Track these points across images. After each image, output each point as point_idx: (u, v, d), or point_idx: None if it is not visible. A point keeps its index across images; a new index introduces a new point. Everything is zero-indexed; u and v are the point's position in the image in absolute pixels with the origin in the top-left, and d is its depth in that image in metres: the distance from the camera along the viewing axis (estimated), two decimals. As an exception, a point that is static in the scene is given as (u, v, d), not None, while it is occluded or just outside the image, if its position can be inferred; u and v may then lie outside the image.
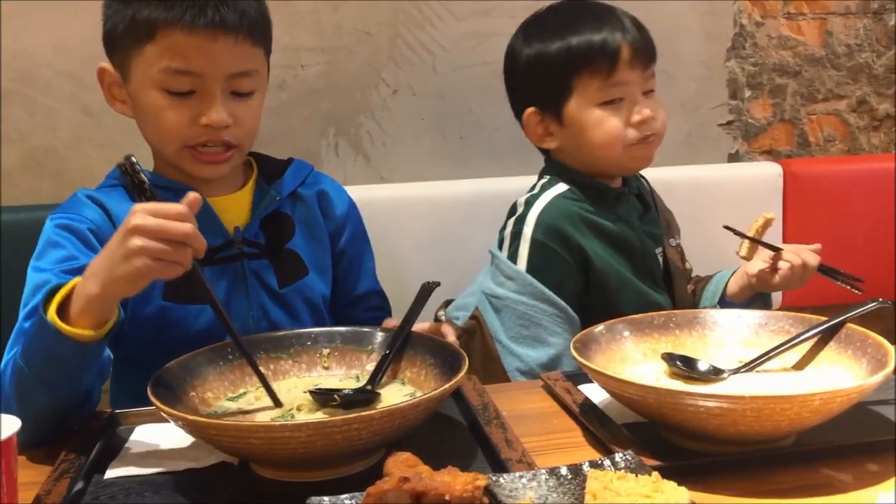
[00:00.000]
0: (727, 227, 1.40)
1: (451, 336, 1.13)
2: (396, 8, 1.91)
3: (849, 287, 1.37)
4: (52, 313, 0.94)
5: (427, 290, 1.17)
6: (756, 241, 1.38)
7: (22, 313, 1.10)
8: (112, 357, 1.16)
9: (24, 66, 1.75)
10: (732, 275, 1.49)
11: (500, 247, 1.44)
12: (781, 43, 2.18)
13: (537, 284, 1.37)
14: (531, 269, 1.38)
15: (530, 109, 1.47)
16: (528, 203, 1.44)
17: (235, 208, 1.28)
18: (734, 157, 2.20)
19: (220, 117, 1.18)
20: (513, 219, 1.45)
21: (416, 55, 1.94)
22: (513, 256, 1.41)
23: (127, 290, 0.97)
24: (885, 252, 2.06)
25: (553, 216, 1.40)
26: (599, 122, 1.41)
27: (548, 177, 1.49)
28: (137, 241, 0.91)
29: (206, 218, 1.19)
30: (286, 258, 1.30)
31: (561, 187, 1.44)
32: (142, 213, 0.92)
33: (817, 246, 1.40)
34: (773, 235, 2.02)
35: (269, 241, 1.29)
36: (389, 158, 1.97)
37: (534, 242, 1.39)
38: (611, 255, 1.41)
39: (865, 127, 2.27)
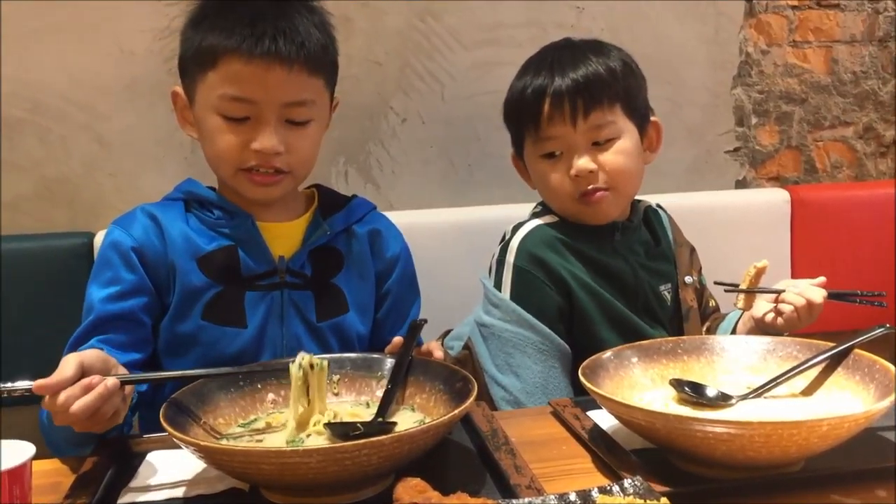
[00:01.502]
0: (718, 283, 1.39)
1: (437, 352, 1.17)
2: (405, 38, 1.93)
3: (873, 305, 1.32)
4: None
5: (415, 328, 1.16)
6: (750, 292, 1.36)
7: (74, 334, 1.20)
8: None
9: (37, 97, 1.78)
10: (741, 316, 1.44)
11: (490, 274, 1.45)
12: (787, 70, 2.19)
13: (520, 311, 1.36)
14: (514, 296, 1.38)
15: (511, 152, 1.51)
16: (514, 230, 1.44)
17: (286, 237, 1.30)
18: (741, 184, 2.21)
19: (270, 144, 1.21)
20: (499, 246, 1.45)
21: (424, 84, 1.97)
22: (498, 284, 1.41)
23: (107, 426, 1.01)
24: (891, 278, 2.06)
25: (534, 242, 1.40)
26: (544, 176, 1.42)
27: (540, 207, 1.50)
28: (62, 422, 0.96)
29: (253, 243, 1.27)
30: (329, 293, 1.31)
31: (550, 217, 1.45)
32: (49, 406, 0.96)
33: (821, 279, 1.33)
34: (783, 261, 2.03)
35: (315, 273, 1.30)
36: (398, 186, 1.99)
37: (515, 269, 1.39)
38: (597, 283, 1.40)
39: (872, 153, 2.28)
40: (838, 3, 2.20)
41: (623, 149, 1.39)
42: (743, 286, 1.36)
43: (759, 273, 1.36)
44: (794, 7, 2.18)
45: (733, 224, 2.03)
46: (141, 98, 1.82)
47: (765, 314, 1.34)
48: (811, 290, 1.31)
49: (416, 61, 1.95)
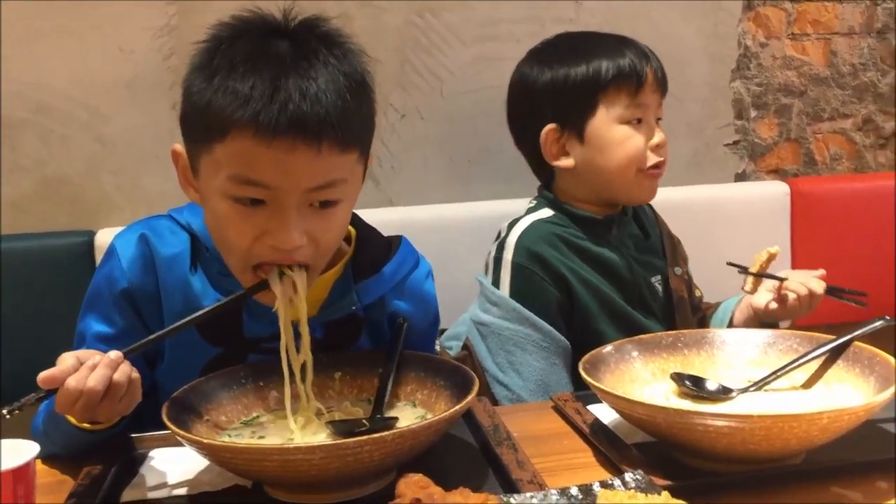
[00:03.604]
0: (731, 264, 1.40)
1: None
2: (404, 35, 1.94)
3: (854, 303, 1.35)
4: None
5: (399, 328, 1.14)
6: (761, 276, 1.38)
7: None
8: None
9: (39, 97, 1.79)
10: (738, 304, 1.47)
11: (486, 273, 1.44)
12: (786, 63, 2.19)
13: (521, 309, 1.36)
14: (514, 293, 1.38)
15: (550, 126, 1.45)
16: (510, 227, 1.44)
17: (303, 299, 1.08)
18: (741, 177, 2.21)
19: (290, 240, 0.98)
20: (496, 244, 1.45)
21: (423, 80, 1.97)
22: (496, 282, 1.40)
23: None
24: (891, 269, 2.06)
25: (531, 239, 1.40)
26: (624, 140, 1.42)
27: (535, 202, 1.50)
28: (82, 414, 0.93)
29: (258, 305, 1.09)
30: None
31: (545, 212, 1.45)
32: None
33: (822, 272, 1.38)
34: (782, 253, 2.02)
35: (326, 340, 1.13)
36: (398, 182, 1.99)
37: (514, 267, 1.39)
38: (596, 277, 1.40)
39: (871, 145, 2.28)
40: (837, -5, 2.20)
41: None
42: (753, 270, 1.38)
43: (770, 258, 1.39)
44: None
45: (733, 217, 2.03)
46: (142, 96, 1.82)
47: (767, 303, 1.36)
48: (813, 281, 1.35)
49: (416, 58, 1.95)
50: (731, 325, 1.46)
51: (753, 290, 1.40)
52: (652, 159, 1.43)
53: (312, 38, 1.01)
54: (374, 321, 1.19)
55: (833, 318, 1.38)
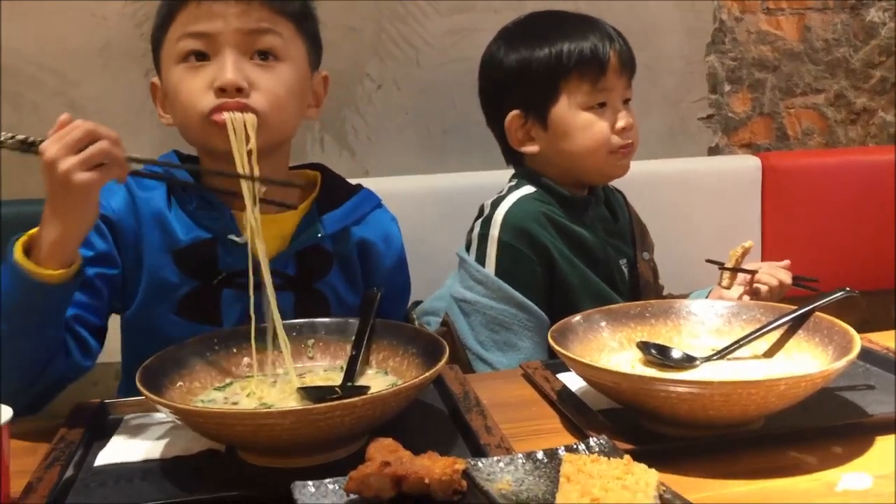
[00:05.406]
0: (709, 261, 1.43)
1: None
2: (380, 4, 1.93)
3: (806, 288, 1.42)
4: (19, 256, 0.99)
5: (371, 299, 1.16)
6: (735, 270, 1.41)
7: None
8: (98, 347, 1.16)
9: (9, 62, 1.77)
10: (707, 297, 1.48)
11: (468, 249, 1.45)
12: (760, 38, 2.21)
13: (507, 288, 1.37)
14: (500, 271, 1.39)
15: (514, 112, 1.46)
16: (495, 205, 1.44)
17: (273, 232, 1.19)
18: (714, 151, 2.23)
19: (231, 77, 1.12)
20: (479, 221, 1.45)
21: (399, 50, 1.96)
22: (481, 259, 1.41)
23: (82, 220, 1.01)
24: (859, 243, 2.10)
25: (519, 217, 1.40)
26: (587, 126, 1.42)
27: (516, 180, 1.50)
28: (63, 164, 0.95)
29: (233, 238, 1.18)
30: (311, 297, 1.24)
31: (528, 189, 1.45)
32: (50, 148, 0.96)
33: (787, 262, 1.45)
34: (753, 227, 2.06)
35: (299, 273, 1.23)
36: (374, 153, 1.99)
37: (501, 244, 1.39)
38: (575, 256, 1.42)
39: (843, 120, 2.31)
40: (811, -30, 2.22)
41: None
42: (728, 265, 1.41)
43: (745, 253, 1.42)
44: (767, -26, 2.19)
45: (706, 191, 2.06)
46: (113, 63, 1.81)
47: (740, 296, 1.40)
48: (781, 272, 1.41)
49: (391, 26, 1.95)
50: None
51: (729, 286, 1.43)
52: (617, 142, 1.43)
53: None
54: (343, 255, 1.27)
55: (795, 291, 1.41)
